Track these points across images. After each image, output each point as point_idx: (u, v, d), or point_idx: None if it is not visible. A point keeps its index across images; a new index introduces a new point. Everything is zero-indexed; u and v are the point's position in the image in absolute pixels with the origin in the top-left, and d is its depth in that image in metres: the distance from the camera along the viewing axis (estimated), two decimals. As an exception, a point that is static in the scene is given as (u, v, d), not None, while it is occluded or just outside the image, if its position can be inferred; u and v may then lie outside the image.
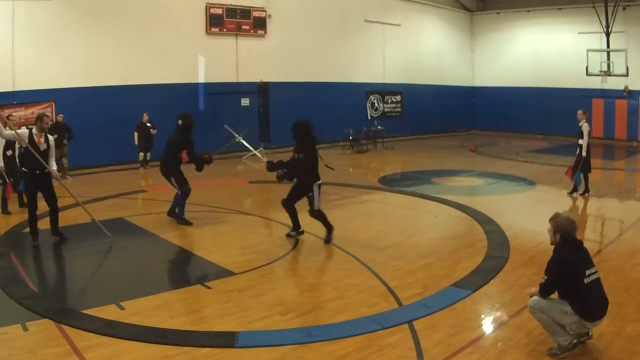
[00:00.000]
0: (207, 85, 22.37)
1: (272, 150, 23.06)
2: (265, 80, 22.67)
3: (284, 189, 15.14)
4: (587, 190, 14.45)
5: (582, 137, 14.26)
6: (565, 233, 5.76)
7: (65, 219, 12.39)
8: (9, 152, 12.86)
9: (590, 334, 5.92)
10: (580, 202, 13.93)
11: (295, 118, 10.34)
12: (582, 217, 12.52)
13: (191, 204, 11.73)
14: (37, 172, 10.02)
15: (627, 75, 26.57)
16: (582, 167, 14.26)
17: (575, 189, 14.52)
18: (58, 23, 18.53)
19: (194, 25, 22.05)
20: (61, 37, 18.61)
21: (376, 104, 29.12)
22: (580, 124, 14.33)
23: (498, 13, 32.53)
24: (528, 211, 13.19)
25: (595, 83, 27.67)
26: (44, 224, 11.72)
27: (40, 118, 10.21)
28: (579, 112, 14.56)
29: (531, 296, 5.94)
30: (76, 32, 18.95)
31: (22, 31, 17.77)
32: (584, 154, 14.16)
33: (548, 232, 5.89)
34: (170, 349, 6.05)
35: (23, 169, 10.28)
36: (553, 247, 5.91)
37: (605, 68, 26.75)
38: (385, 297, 7.50)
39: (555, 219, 5.83)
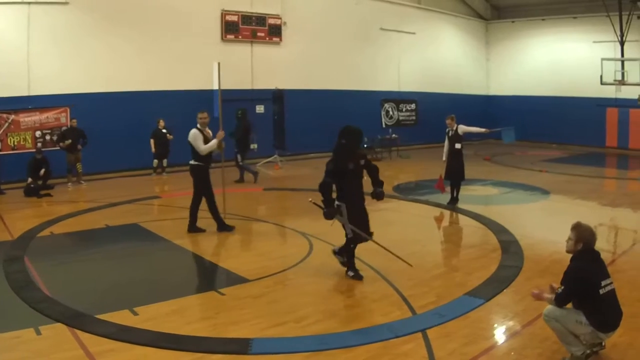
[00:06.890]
0: (222, 92, 22.31)
1: (287, 158, 23.17)
2: (280, 87, 22.74)
3: (298, 196, 15.22)
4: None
5: (459, 141, 14.25)
6: (586, 243, 5.77)
7: (79, 223, 12.51)
8: None
9: (603, 344, 5.90)
10: (594, 211, 13.85)
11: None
12: (596, 227, 12.46)
13: (206, 210, 11.73)
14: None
15: (641, 84, 26.38)
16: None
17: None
18: (75, 29, 18.68)
19: (209, 32, 22.14)
20: (78, 43, 18.75)
21: (391, 112, 29.09)
22: (454, 129, 14.40)
23: (513, 22, 32.42)
24: (542, 221, 13.13)
25: (609, 92, 27.42)
26: (60, 228, 11.87)
27: (198, 116, 11.75)
28: (451, 116, 14.75)
29: (536, 298, 6.00)
30: (93, 38, 19.08)
31: (39, 36, 17.92)
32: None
33: (568, 240, 5.86)
34: (183, 355, 6.09)
35: (199, 163, 11.37)
36: (569, 256, 5.91)
37: (619, 77, 26.46)
38: (399, 306, 7.50)
39: (577, 228, 5.81)
